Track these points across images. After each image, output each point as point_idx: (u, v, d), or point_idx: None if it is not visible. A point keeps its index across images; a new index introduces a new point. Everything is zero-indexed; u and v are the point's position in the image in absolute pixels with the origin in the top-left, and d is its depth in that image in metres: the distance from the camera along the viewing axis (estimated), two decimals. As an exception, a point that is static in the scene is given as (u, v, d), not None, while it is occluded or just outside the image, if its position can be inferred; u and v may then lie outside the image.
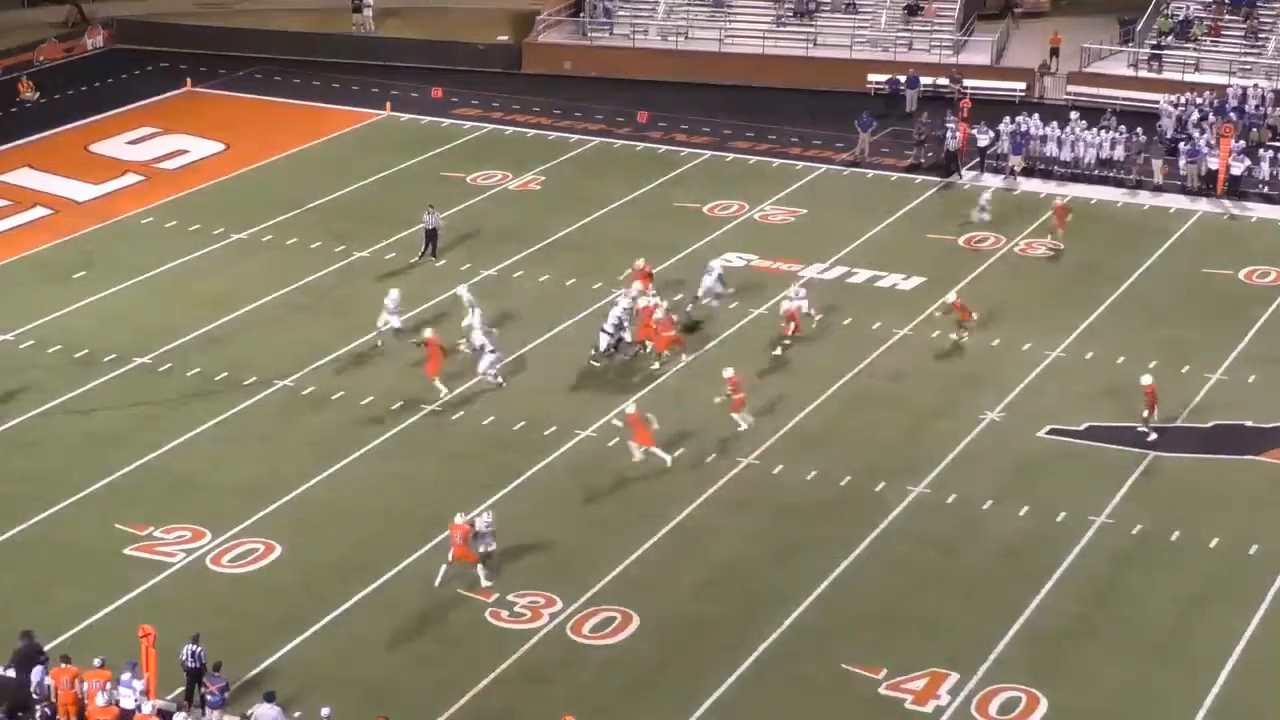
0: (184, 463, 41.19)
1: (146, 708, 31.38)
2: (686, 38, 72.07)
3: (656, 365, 45.55)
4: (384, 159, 61.47)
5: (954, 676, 33.29)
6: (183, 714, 31.19)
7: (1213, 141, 59.08)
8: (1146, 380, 42.10)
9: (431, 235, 52.49)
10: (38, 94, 68.59)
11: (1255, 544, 37.78)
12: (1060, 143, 60.39)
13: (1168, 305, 50.06)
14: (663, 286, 48.34)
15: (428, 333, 44.91)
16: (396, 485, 40.28)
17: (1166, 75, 67.24)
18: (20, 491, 39.77)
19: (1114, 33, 71.40)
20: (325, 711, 30.71)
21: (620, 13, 73.55)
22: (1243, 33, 69.11)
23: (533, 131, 64.84)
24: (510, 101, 67.95)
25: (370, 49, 73.93)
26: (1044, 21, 75.52)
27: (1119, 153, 60.16)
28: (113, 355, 46.31)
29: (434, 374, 43.93)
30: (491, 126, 65.37)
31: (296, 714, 31.79)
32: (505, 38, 74.29)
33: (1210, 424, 43.05)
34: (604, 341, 45.62)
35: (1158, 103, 63.65)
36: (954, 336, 46.86)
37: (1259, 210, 57.48)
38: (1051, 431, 42.63)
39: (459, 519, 36.07)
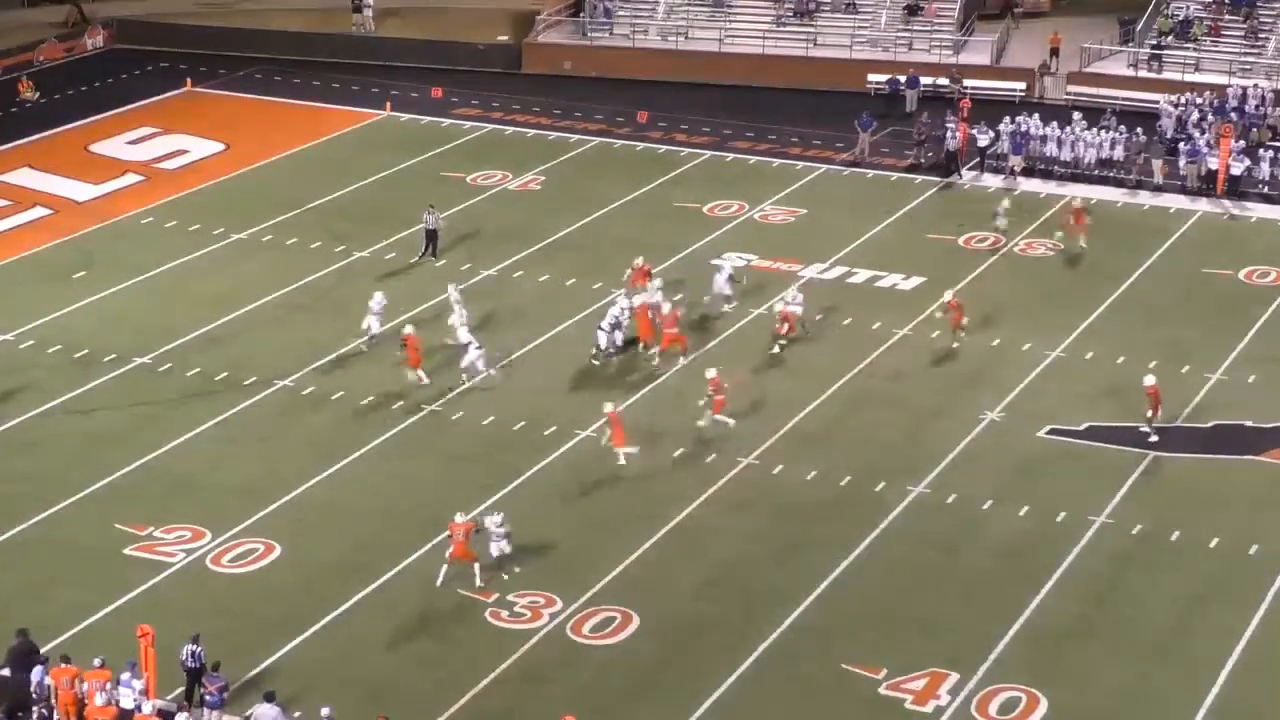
0: (184, 463, 41.19)
1: (147, 708, 31.37)
2: (686, 38, 72.06)
3: (656, 361, 45.53)
4: (384, 159, 61.47)
5: (954, 676, 33.29)
6: (184, 715, 31.18)
7: (1213, 141, 59.08)
8: (1149, 380, 42.07)
9: (432, 235, 52.49)
10: (38, 94, 68.60)
11: (1255, 544, 37.79)
12: (1060, 143, 60.38)
13: (1168, 305, 50.06)
14: (665, 286, 48.18)
15: (407, 329, 44.96)
16: (396, 485, 40.28)
17: (1166, 75, 67.23)
18: (20, 491, 39.78)
19: (1114, 33, 71.40)
20: (325, 711, 30.71)
21: (620, 13, 73.54)
22: (1243, 33, 69.11)
23: (533, 131, 64.84)
24: (510, 101, 67.95)
25: (370, 49, 73.93)
26: (1044, 21, 75.53)
27: (1119, 153, 60.16)
28: (113, 355, 46.32)
29: (414, 365, 44.09)
30: (491, 126, 65.37)
31: (296, 714, 31.80)
32: (505, 38, 74.29)
33: (1210, 424, 43.04)
34: (602, 340, 45.65)
35: (1158, 103, 63.65)
36: (936, 333, 46.65)
37: (1259, 210, 57.48)
38: (1051, 431, 42.63)
39: (459, 518, 36.07)
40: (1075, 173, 59.96)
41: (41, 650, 32.73)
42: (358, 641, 34.49)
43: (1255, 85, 64.42)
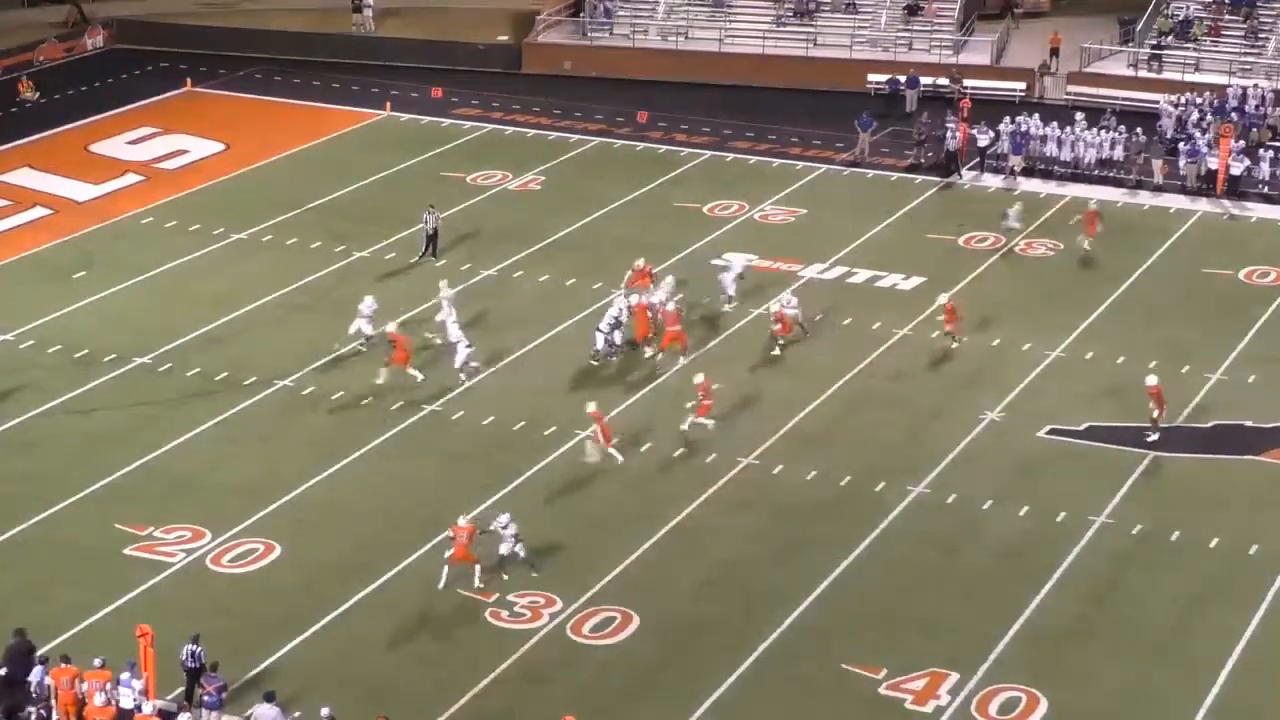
0: (184, 463, 41.19)
1: (147, 708, 31.37)
2: (686, 38, 72.07)
3: (659, 358, 45.53)
4: (384, 159, 61.47)
5: (954, 676, 33.29)
6: (186, 715, 31.18)
7: (1213, 141, 59.07)
8: (1152, 381, 42.01)
9: (432, 235, 52.49)
10: (38, 94, 68.60)
11: (1255, 544, 37.79)
12: (1060, 143, 60.38)
13: (1168, 305, 50.06)
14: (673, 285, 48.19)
15: (390, 327, 45.01)
16: (396, 485, 40.28)
17: (1166, 75, 67.24)
18: (20, 491, 39.78)
19: (1114, 33, 71.41)
20: (325, 711, 30.71)
21: (620, 13, 73.55)
22: (1243, 33, 69.11)
23: (533, 131, 64.85)
24: (510, 101, 67.95)
25: (370, 49, 73.93)
26: (1044, 21, 75.55)
27: (1119, 153, 60.16)
28: (113, 355, 46.32)
29: (403, 363, 44.19)
30: (491, 126, 65.38)
31: (296, 714, 31.79)
32: (505, 38, 74.30)
33: (1210, 424, 43.04)
34: (600, 342, 45.65)
35: (1158, 103, 63.65)
36: (936, 336, 46.57)
37: (1259, 210, 57.48)
38: (1051, 431, 42.63)
39: (462, 520, 36.05)
40: (1075, 173, 59.97)
41: (41, 650, 32.75)
42: (358, 641, 34.49)
43: (1255, 85, 64.43)
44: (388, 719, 30.85)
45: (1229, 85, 64.74)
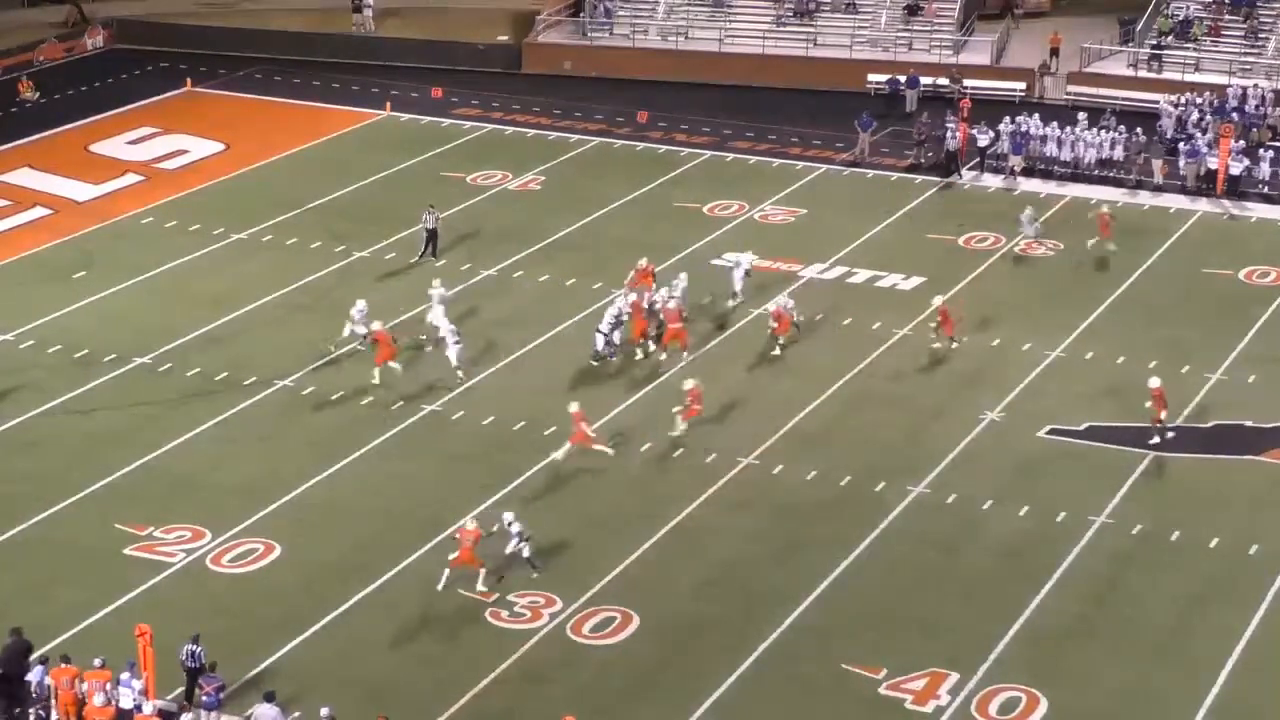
0: (184, 463, 41.19)
1: (148, 708, 31.38)
2: (686, 38, 72.07)
3: (663, 357, 45.53)
4: (384, 159, 61.48)
5: (954, 676, 33.29)
6: (188, 715, 31.20)
7: (1213, 141, 59.06)
8: (1155, 383, 41.95)
9: (432, 235, 52.49)
10: (38, 94, 68.61)
11: (1255, 544, 37.78)
12: (1060, 143, 60.39)
13: (1168, 305, 50.06)
14: (670, 284, 48.18)
15: (376, 325, 45.03)
16: (396, 485, 40.28)
17: (1166, 75, 67.25)
18: (20, 491, 39.77)
19: (1114, 33, 71.42)
20: (325, 711, 30.72)
21: (620, 13, 73.55)
22: (1243, 33, 69.12)
23: (533, 131, 64.85)
24: (510, 101, 67.96)
25: (370, 49, 73.94)
26: (1044, 21, 75.57)
27: (1119, 153, 60.17)
28: (113, 355, 46.32)
29: (385, 360, 44.32)
30: (491, 126, 65.38)
31: (296, 714, 31.79)
32: (505, 38, 74.31)
33: (1210, 424, 43.04)
34: (599, 343, 45.66)
35: (1158, 103, 63.65)
36: (937, 345, 46.52)
37: (1259, 210, 57.48)
38: (1051, 431, 42.63)
39: (470, 524, 36.02)
40: (1075, 173, 59.97)
41: (41, 650, 32.76)
42: (358, 641, 34.49)
43: (1255, 85, 64.43)
44: (388, 719, 30.85)
45: (1229, 85, 64.75)
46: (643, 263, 48.83)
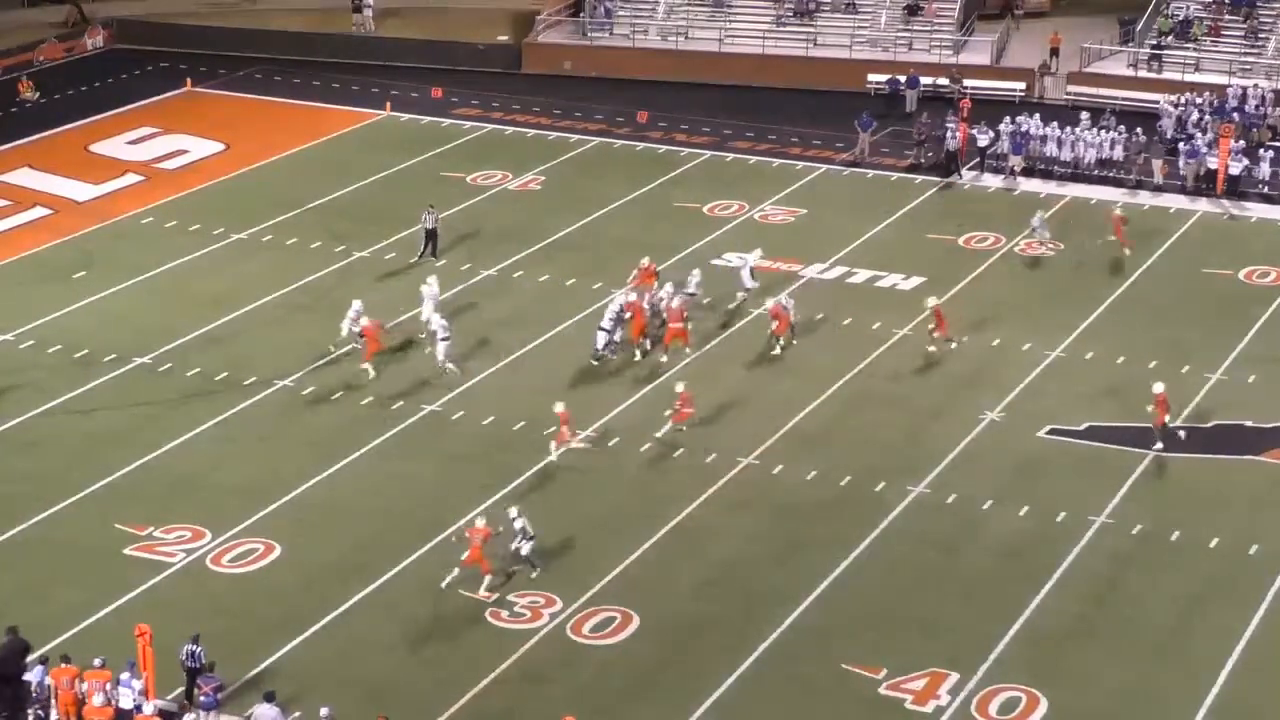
0: (184, 463, 41.19)
1: (148, 708, 31.37)
2: (686, 38, 72.07)
3: (663, 358, 45.54)
4: (384, 159, 61.48)
5: (954, 676, 33.29)
6: (190, 717, 31.20)
7: (1213, 141, 59.05)
8: (1159, 388, 41.85)
9: (431, 235, 52.49)
10: (38, 94, 68.61)
11: (1255, 544, 37.78)
12: (1060, 143, 60.39)
13: (1168, 305, 50.06)
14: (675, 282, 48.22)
15: (364, 320, 45.11)
16: (396, 485, 40.28)
17: (1166, 75, 67.25)
18: (20, 491, 39.78)
19: (1114, 33, 71.42)
20: (324, 711, 30.72)
21: (620, 13, 73.56)
22: (1243, 33, 69.12)
23: (533, 131, 64.85)
24: (510, 101, 67.96)
25: (370, 49, 73.95)
26: (1044, 21, 75.57)
27: (1119, 153, 60.16)
28: (113, 355, 46.32)
29: (368, 357, 44.49)
30: (491, 126, 65.38)
31: (296, 714, 31.79)
32: (505, 38, 74.31)
33: (1210, 424, 43.03)
34: (601, 341, 45.68)
35: (1158, 103, 63.65)
36: (932, 348, 46.44)
37: (1259, 210, 57.48)
38: (1051, 431, 42.62)
39: (480, 522, 36.00)
40: (1075, 173, 59.97)
41: (41, 650, 32.77)
42: (358, 641, 34.48)
43: (1255, 85, 64.43)
44: (388, 719, 30.85)
45: (1229, 85, 64.74)
46: (645, 262, 48.85)
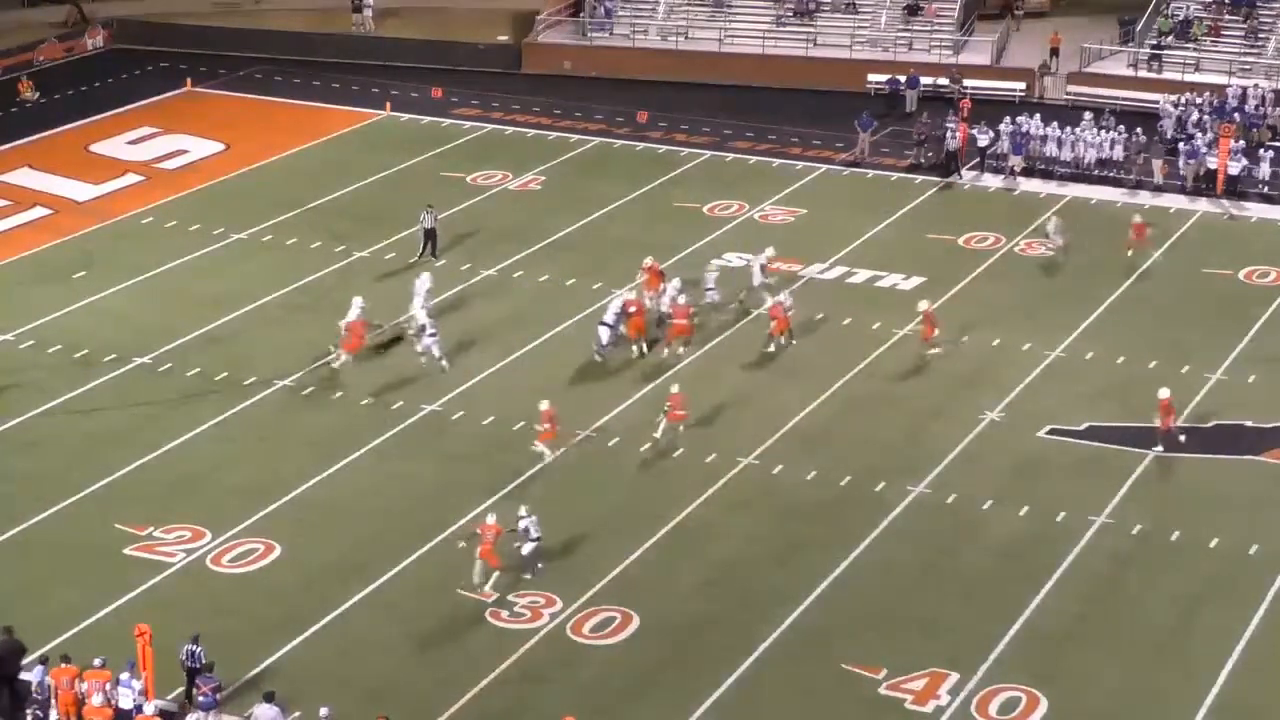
0: (184, 463, 41.19)
1: (149, 708, 31.37)
2: (686, 38, 72.07)
3: (664, 354, 45.52)
4: (384, 159, 61.47)
5: (954, 676, 33.28)
6: (192, 717, 31.20)
7: (1213, 142, 59.04)
8: (1164, 394, 41.79)
9: (430, 235, 52.49)
10: (38, 94, 68.61)
11: (1255, 544, 37.78)
12: (1060, 143, 60.39)
13: (1168, 305, 50.06)
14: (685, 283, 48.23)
15: (352, 315, 45.27)
16: (396, 485, 40.27)
17: (1166, 75, 67.24)
18: (20, 491, 39.77)
19: (1114, 33, 71.42)
20: (324, 711, 30.72)
21: (620, 13, 73.56)
22: (1243, 33, 69.13)
23: (533, 131, 64.85)
24: (510, 101, 67.96)
25: (370, 49, 73.95)
26: (1044, 21, 75.60)
27: (1119, 153, 60.16)
28: (113, 355, 46.32)
29: (349, 350, 44.76)
30: (491, 126, 65.38)
31: (296, 714, 31.78)
32: (505, 38, 74.32)
33: (1210, 424, 43.03)
34: (605, 336, 45.71)
35: (1158, 103, 63.64)
36: (932, 350, 46.41)
37: (1259, 210, 57.48)
38: (1051, 431, 42.62)
39: (491, 519, 35.98)
40: (1075, 173, 59.97)
41: (41, 650, 32.76)
42: (358, 641, 34.48)
43: (1255, 85, 64.44)
44: (388, 719, 30.85)
45: (1229, 85, 64.75)
46: (649, 261, 48.83)
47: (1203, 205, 57.75)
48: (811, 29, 71.72)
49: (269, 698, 31.23)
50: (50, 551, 37.53)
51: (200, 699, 31.32)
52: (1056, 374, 45.64)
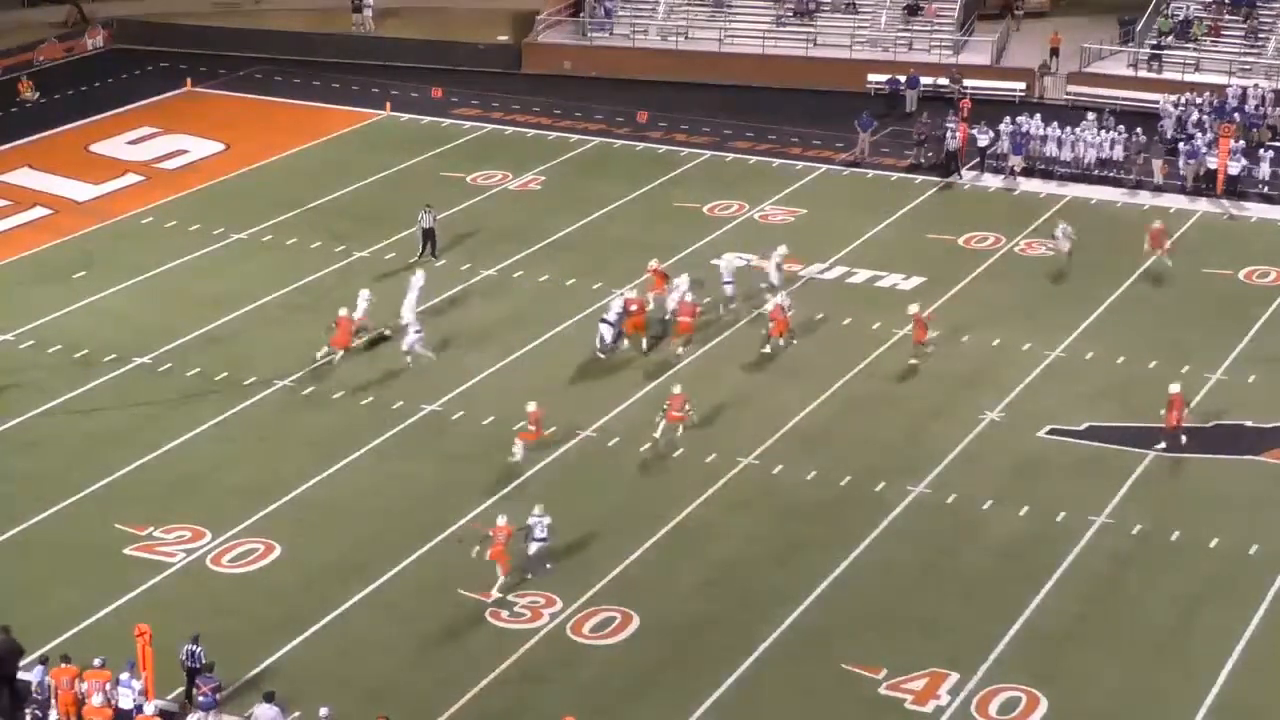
0: (184, 463, 41.19)
1: (149, 708, 31.36)
2: (686, 38, 72.06)
3: (677, 349, 45.59)
4: (384, 159, 61.47)
5: (954, 676, 33.29)
6: (193, 717, 31.19)
7: (1213, 141, 59.03)
8: (1174, 389, 41.74)
9: (429, 235, 52.47)
10: (38, 94, 68.60)
11: (1255, 544, 37.78)
12: (1060, 143, 60.39)
13: (1168, 305, 50.06)
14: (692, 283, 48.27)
15: (342, 311, 45.47)
16: (396, 485, 40.28)
17: (1166, 75, 67.23)
18: (20, 491, 39.77)
19: (1114, 33, 71.41)
20: (324, 712, 30.72)
21: (620, 13, 73.56)
22: (1243, 33, 69.12)
23: (533, 131, 64.84)
24: (510, 101, 67.95)
25: (370, 49, 73.95)
26: (1044, 21, 75.59)
27: (1119, 153, 60.16)
28: (113, 355, 46.32)
29: (337, 346, 44.95)
30: (491, 126, 65.37)
31: (296, 714, 31.78)
32: (505, 38, 74.32)
33: (1210, 424, 43.03)
34: (608, 334, 45.72)
35: (1158, 103, 63.64)
36: (931, 351, 46.33)
37: (1258, 210, 57.48)
38: (1051, 431, 42.62)
39: (502, 520, 35.96)
40: (1075, 173, 59.96)
41: (41, 650, 32.75)
42: (358, 641, 34.48)
43: (1255, 85, 64.43)
44: (388, 719, 30.85)
45: (1229, 85, 64.74)
46: (653, 263, 48.82)
47: (1203, 205, 57.76)
48: (811, 29, 71.72)
49: (269, 698, 31.23)
50: (50, 551, 37.53)
51: (200, 699, 31.33)
52: (1056, 374, 45.64)
